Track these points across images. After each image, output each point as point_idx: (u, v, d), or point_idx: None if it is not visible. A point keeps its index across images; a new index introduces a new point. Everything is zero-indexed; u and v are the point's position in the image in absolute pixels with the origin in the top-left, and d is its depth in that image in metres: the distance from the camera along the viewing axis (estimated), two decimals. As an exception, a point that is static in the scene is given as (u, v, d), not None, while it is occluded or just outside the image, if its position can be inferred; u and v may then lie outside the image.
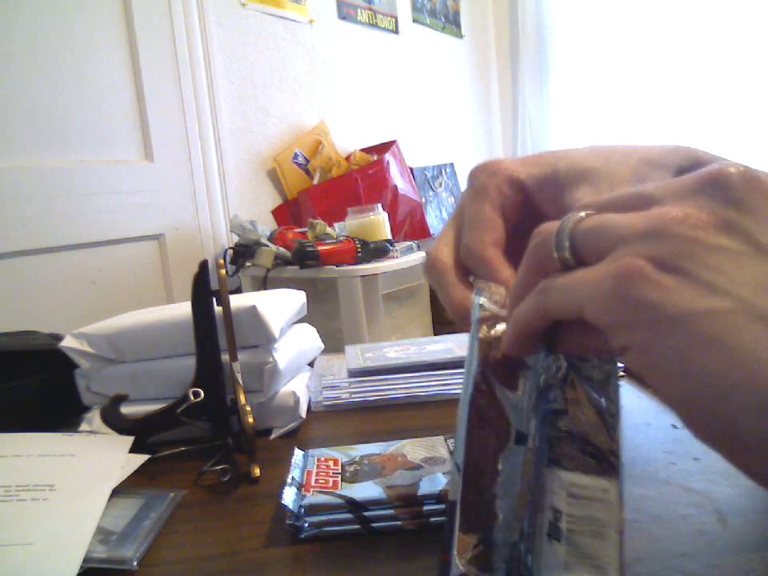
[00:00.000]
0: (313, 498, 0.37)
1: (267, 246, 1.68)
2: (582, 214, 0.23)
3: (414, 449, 0.44)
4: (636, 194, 0.23)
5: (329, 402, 0.60)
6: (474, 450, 0.26)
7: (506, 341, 0.26)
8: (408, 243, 1.80)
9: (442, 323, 1.93)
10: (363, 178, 2.11)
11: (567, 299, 0.22)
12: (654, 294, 0.19)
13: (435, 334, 1.77)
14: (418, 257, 1.80)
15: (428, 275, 0.33)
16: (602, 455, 0.24)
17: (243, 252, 1.71)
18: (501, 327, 0.27)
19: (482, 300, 0.28)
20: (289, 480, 0.39)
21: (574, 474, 0.24)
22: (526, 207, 0.32)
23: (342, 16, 2.45)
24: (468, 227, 0.31)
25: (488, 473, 0.26)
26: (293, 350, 0.59)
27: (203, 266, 0.51)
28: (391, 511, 0.36)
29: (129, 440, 0.49)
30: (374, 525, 0.36)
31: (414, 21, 2.89)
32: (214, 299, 0.51)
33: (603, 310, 0.20)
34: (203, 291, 0.51)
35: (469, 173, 0.33)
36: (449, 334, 0.72)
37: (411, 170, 2.48)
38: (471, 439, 0.26)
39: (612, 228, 0.21)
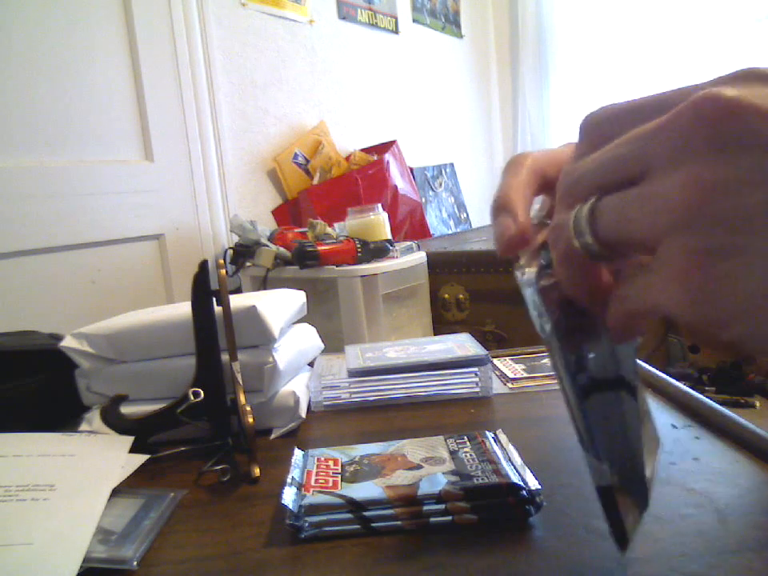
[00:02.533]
0: (313, 497, 0.37)
1: (267, 245, 1.68)
2: (592, 199, 0.22)
3: (414, 449, 0.44)
4: (623, 155, 0.21)
5: (329, 402, 0.60)
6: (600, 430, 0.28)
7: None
8: (408, 243, 1.80)
9: (442, 323, 1.93)
10: (363, 178, 2.11)
11: (650, 302, 0.21)
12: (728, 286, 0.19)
13: (435, 334, 1.77)
14: (418, 257, 1.80)
15: (505, 171, 0.31)
16: None
17: (243, 252, 1.71)
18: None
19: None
20: (289, 480, 0.39)
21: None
22: None
23: (342, 16, 2.45)
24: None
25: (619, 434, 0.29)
26: (293, 349, 0.59)
27: (203, 265, 0.51)
28: (391, 511, 0.36)
29: (129, 440, 0.49)
30: (373, 525, 0.36)
31: (414, 21, 2.89)
32: (214, 299, 0.51)
33: (694, 316, 0.20)
34: (203, 291, 0.51)
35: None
36: (449, 333, 0.72)
37: (411, 169, 2.48)
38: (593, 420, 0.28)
39: (639, 216, 0.20)
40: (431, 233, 2.46)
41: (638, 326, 0.24)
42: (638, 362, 0.29)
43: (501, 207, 0.29)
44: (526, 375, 0.64)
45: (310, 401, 0.60)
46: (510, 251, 0.28)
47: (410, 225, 2.32)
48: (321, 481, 0.39)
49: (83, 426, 0.54)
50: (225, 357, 0.51)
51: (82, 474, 0.43)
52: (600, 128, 0.24)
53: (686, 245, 0.19)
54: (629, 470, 0.29)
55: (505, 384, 0.63)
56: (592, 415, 0.27)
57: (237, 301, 0.53)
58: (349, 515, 0.36)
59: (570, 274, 0.25)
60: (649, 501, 0.30)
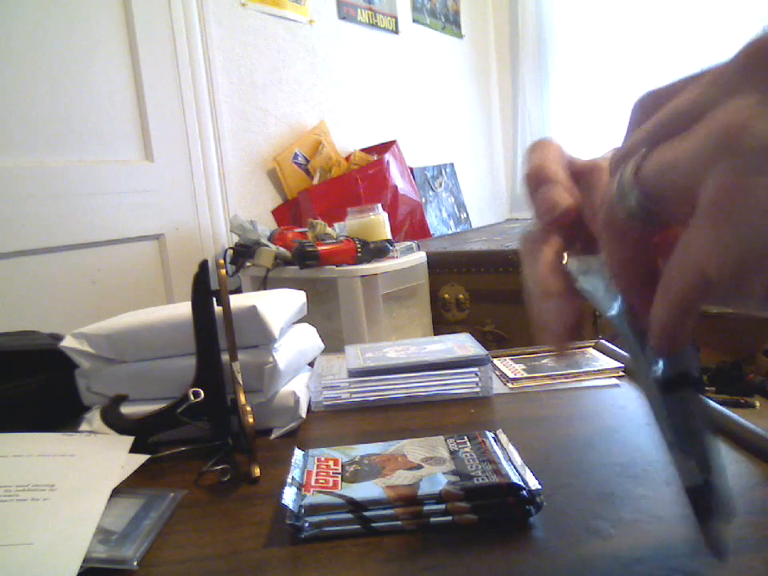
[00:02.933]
0: (313, 497, 0.37)
1: (267, 245, 1.68)
2: (633, 162, 0.21)
3: (414, 449, 0.44)
4: (676, 112, 0.21)
5: (329, 402, 0.60)
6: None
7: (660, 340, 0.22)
8: (408, 243, 1.80)
9: (442, 323, 1.93)
10: (363, 178, 2.11)
11: (699, 267, 0.20)
12: None
13: (435, 334, 1.77)
14: (418, 257, 1.80)
15: (532, 150, 0.29)
16: None
17: (243, 252, 1.71)
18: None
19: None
20: (289, 480, 0.39)
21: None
22: None
23: (342, 16, 2.45)
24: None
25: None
26: (293, 350, 0.59)
27: (203, 265, 0.51)
28: (391, 511, 0.36)
29: (129, 440, 0.49)
30: (374, 525, 0.36)
31: (414, 21, 2.89)
32: (214, 299, 0.51)
33: (729, 262, 0.18)
34: (203, 291, 0.51)
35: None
36: (449, 333, 0.72)
37: (411, 170, 2.48)
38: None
39: (684, 162, 0.19)
40: (431, 233, 2.46)
41: (686, 326, 0.21)
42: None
43: (543, 179, 0.27)
44: (526, 375, 0.64)
45: (310, 401, 0.60)
46: (565, 219, 0.26)
47: (410, 225, 2.32)
48: (321, 481, 0.39)
49: (83, 426, 0.54)
50: (225, 357, 0.51)
51: (82, 474, 0.43)
52: (655, 100, 0.23)
53: (730, 168, 0.18)
54: (712, 470, 0.26)
55: (505, 384, 0.63)
56: (673, 411, 0.25)
57: (237, 301, 0.53)
58: (349, 515, 0.36)
59: (615, 248, 0.23)
60: (734, 508, 0.26)
